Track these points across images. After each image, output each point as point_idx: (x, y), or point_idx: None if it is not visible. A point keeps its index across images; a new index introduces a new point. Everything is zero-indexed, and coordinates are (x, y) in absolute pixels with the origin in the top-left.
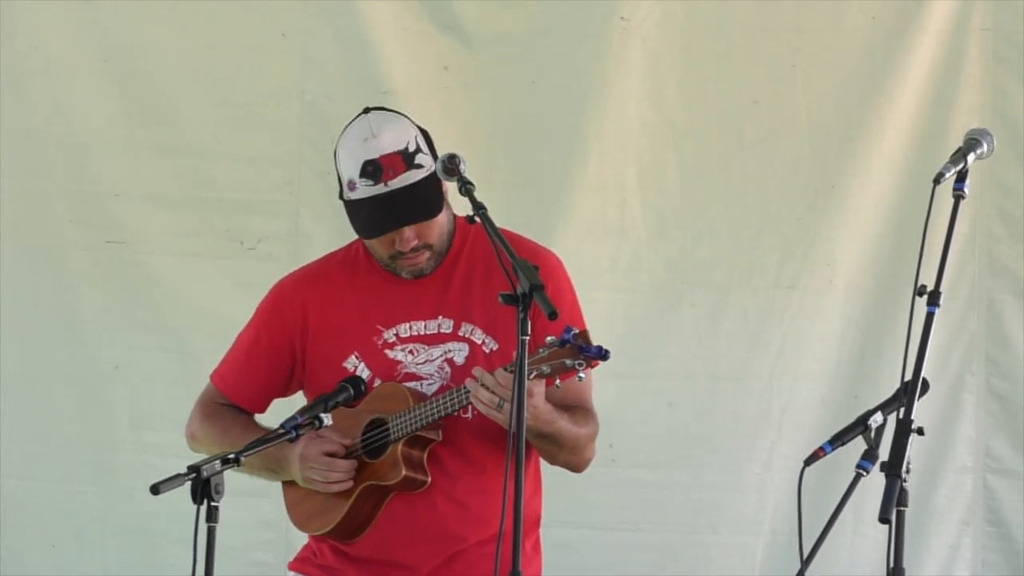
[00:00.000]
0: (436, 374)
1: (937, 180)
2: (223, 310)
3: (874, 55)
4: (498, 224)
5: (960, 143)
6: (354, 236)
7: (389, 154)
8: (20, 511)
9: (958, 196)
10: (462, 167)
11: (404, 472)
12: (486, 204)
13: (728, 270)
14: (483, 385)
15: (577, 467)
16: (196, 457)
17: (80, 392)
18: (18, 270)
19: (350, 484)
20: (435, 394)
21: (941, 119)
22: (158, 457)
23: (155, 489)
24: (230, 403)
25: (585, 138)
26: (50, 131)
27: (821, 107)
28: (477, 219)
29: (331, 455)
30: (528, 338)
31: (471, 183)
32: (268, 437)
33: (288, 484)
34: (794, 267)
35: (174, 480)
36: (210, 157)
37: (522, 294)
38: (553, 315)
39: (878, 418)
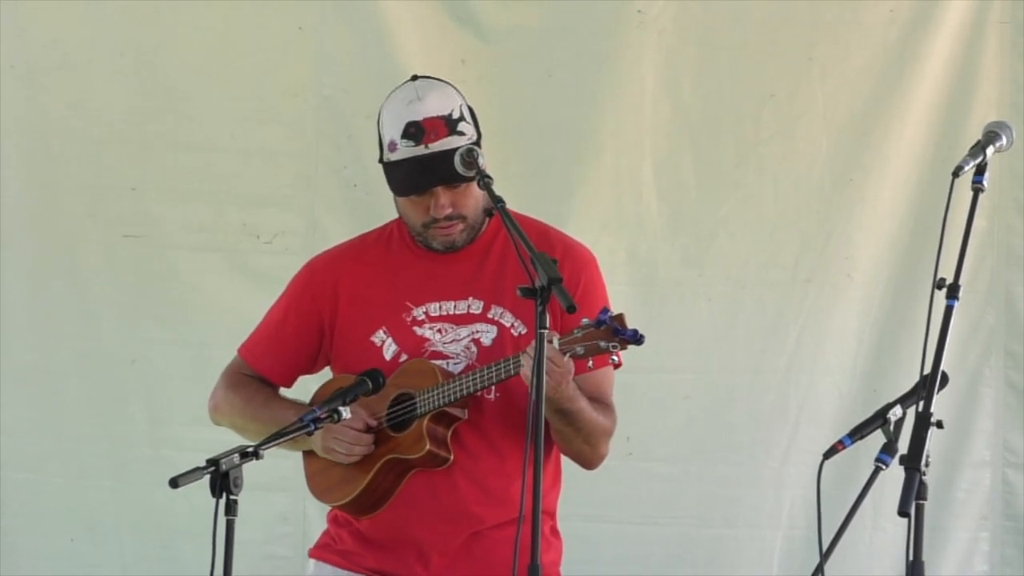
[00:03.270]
0: (462, 354)
1: (956, 173)
2: (239, 304)
3: (892, 48)
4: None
5: (979, 136)
6: (369, 229)
7: (432, 117)
8: (37, 505)
9: (977, 189)
10: (480, 160)
11: (428, 447)
12: (503, 197)
13: (745, 264)
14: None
15: (590, 461)
16: (214, 451)
17: (97, 386)
18: (35, 264)
19: (369, 451)
20: (460, 373)
21: (959, 112)
22: (175, 451)
23: (174, 483)
24: (256, 374)
25: (601, 132)
26: (67, 125)
27: (838, 100)
28: (495, 211)
29: (355, 430)
30: (547, 331)
31: (489, 177)
32: (286, 430)
33: (309, 454)
34: (811, 261)
35: (193, 473)
36: (226, 151)
37: (540, 287)
38: (571, 309)
39: (897, 412)
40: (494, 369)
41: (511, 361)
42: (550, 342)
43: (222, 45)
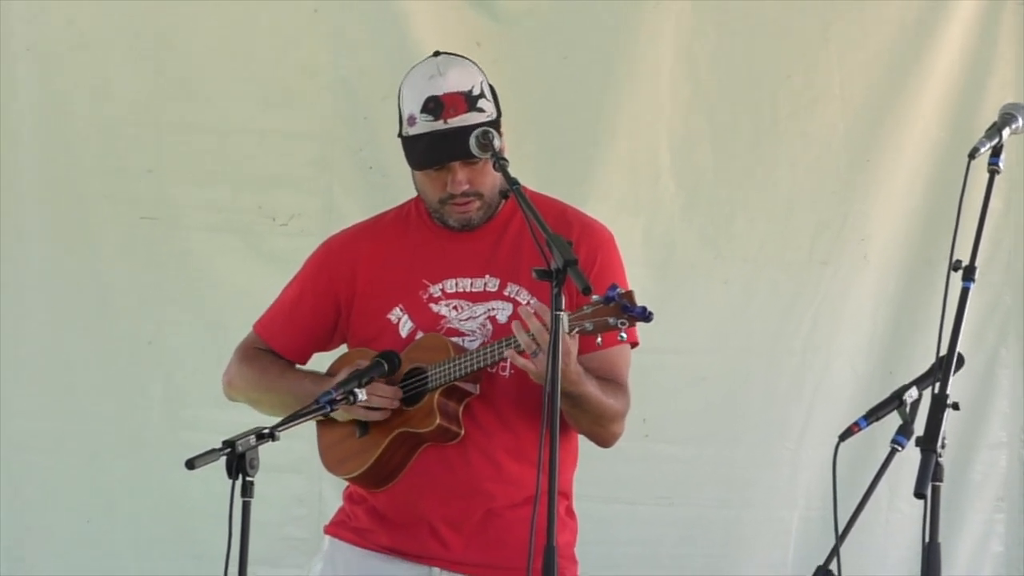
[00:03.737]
0: (478, 331)
1: (972, 155)
2: (256, 286)
3: (908, 30)
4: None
5: (995, 118)
6: (385, 210)
7: (452, 93)
8: (54, 487)
9: (993, 171)
10: (496, 142)
11: (438, 421)
12: (518, 179)
13: (761, 245)
14: (525, 330)
15: (603, 440)
16: (230, 432)
17: (113, 368)
18: (51, 246)
19: (389, 413)
20: (476, 349)
21: (976, 94)
22: (191, 432)
23: (190, 464)
24: (270, 350)
25: (617, 113)
26: (83, 107)
27: (855, 81)
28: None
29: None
30: (562, 313)
31: (505, 159)
32: (302, 412)
33: (323, 426)
34: (828, 242)
35: (209, 455)
36: (243, 133)
37: (556, 269)
38: (587, 290)
39: (913, 393)
40: (504, 344)
41: (502, 343)
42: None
43: (238, 27)
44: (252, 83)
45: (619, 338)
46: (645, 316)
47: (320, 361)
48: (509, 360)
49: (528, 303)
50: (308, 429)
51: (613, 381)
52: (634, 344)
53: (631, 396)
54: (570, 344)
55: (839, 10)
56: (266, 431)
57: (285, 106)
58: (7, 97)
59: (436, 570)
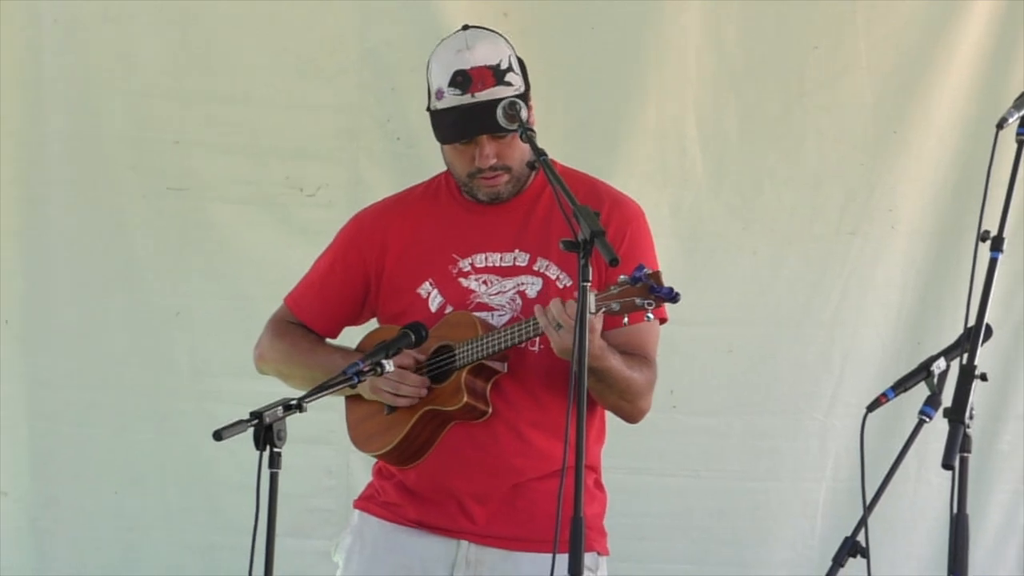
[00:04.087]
0: (507, 306)
1: (1000, 125)
2: (283, 257)
3: (935, 0)
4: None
5: (1023, 88)
6: (413, 184)
7: (480, 67)
8: (82, 458)
9: (1021, 141)
10: (523, 113)
11: (465, 399)
12: (546, 150)
13: (789, 217)
14: (546, 315)
15: (630, 415)
16: (258, 404)
17: (140, 339)
18: (78, 217)
19: (417, 401)
20: (504, 326)
21: (1004, 64)
22: (219, 403)
23: (218, 435)
24: (301, 324)
25: (644, 85)
26: (110, 79)
27: (882, 52)
28: (538, 165)
29: (403, 368)
30: (589, 284)
31: (532, 129)
32: (330, 383)
33: (351, 402)
34: (855, 213)
35: (237, 426)
36: (270, 104)
37: (583, 240)
38: (614, 262)
39: (941, 364)
40: (532, 323)
41: (531, 322)
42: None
43: None
44: (279, 54)
45: (646, 318)
46: (672, 297)
47: (351, 336)
48: (535, 336)
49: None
50: (337, 401)
51: (640, 355)
52: (663, 320)
53: (658, 370)
54: (594, 321)
55: None
56: (293, 402)
57: (312, 77)
58: (35, 69)
59: (464, 543)
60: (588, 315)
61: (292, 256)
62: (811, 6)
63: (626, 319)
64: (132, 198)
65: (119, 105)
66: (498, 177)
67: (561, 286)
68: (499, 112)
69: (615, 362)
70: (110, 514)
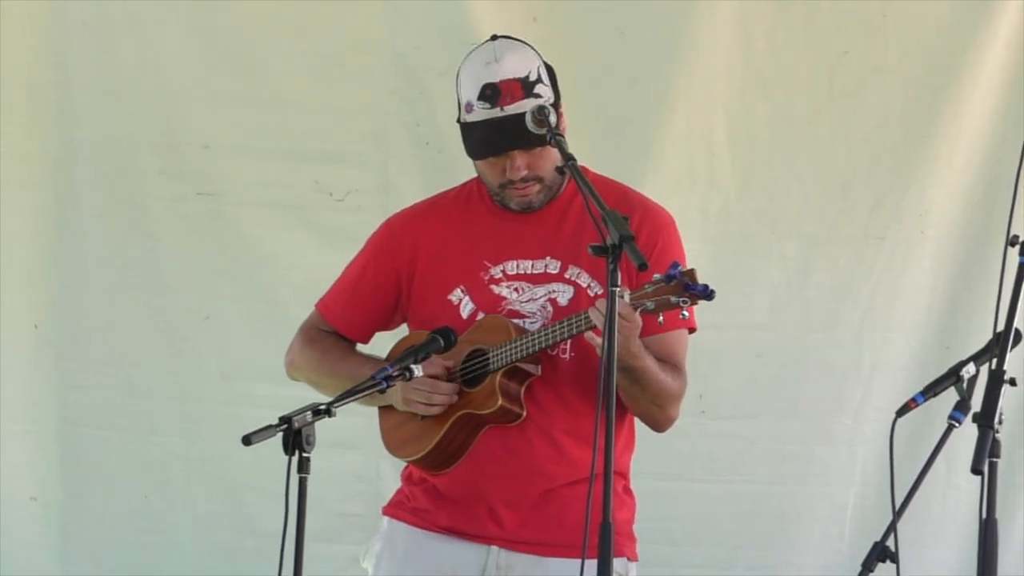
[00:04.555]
0: (538, 313)
1: None
2: (312, 262)
3: (966, 4)
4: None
5: None
6: (442, 189)
7: (509, 80)
8: (111, 462)
9: None
10: (552, 118)
11: (500, 402)
12: (574, 155)
13: (818, 221)
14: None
15: (659, 423)
16: (287, 408)
17: (169, 343)
18: (107, 222)
19: (451, 401)
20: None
21: None
22: (248, 408)
23: (247, 440)
24: (333, 330)
25: (673, 88)
26: (138, 83)
27: (911, 56)
28: (566, 170)
29: (434, 377)
30: (618, 289)
31: (561, 134)
32: (359, 388)
33: (384, 409)
34: (884, 217)
35: (266, 431)
36: (298, 108)
37: (611, 245)
38: (643, 266)
39: (970, 369)
40: (567, 324)
41: (584, 316)
42: (621, 297)
43: (293, 2)
44: (308, 58)
45: (681, 316)
46: (707, 294)
47: (381, 342)
48: (569, 342)
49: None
50: (367, 405)
51: (671, 363)
52: (692, 330)
53: (687, 376)
54: (637, 318)
55: None
56: (322, 407)
57: (341, 81)
58: (63, 72)
59: (495, 548)
60: (628, 313)
61: (321, 261)
62: (840, 10)
63: (661, 319)
64: (161, 203)
65: (148, 110)
66: (529, 187)
67: (592, 294)
68: (528, 117)
69: (650, 363)
70: (139, 518)
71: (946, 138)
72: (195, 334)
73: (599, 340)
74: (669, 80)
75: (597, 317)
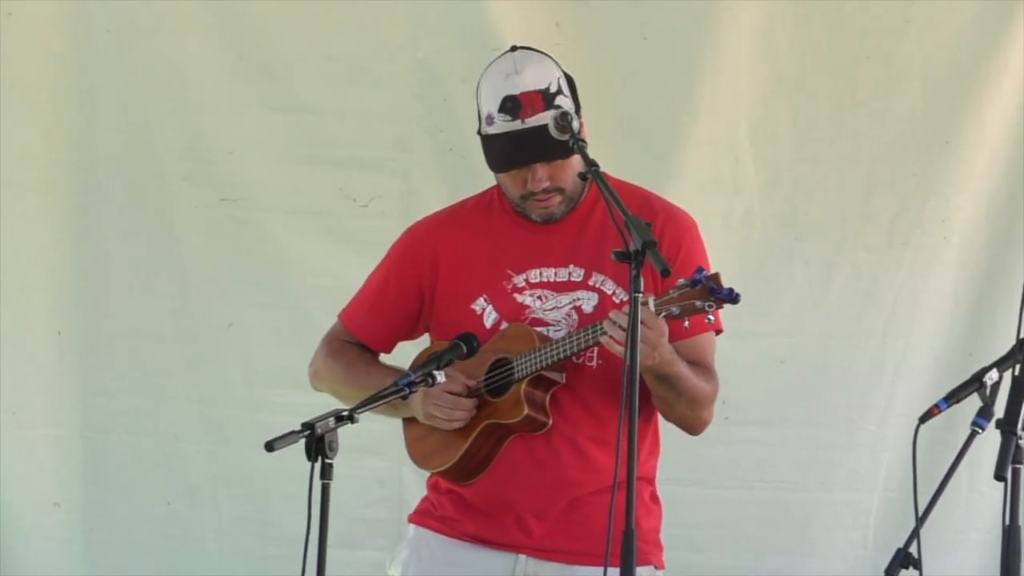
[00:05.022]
0: (563, 321)
1: None
2: (335, 268)
3: (988, 9)
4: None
5: None
6: (465, 195)
7: (529, 92)
8: (134, 468)
9: None
10: (575, 124)
11: (526, 411)
12: (597, 161)
13: (841, 227)
14: (616, 323)
15: (693, 426)
16: (310, 415)
17: (193, 350)
18: (131, 228)
19: (471, 416)
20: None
21: None
22: (271, 414)
23: (270, 446)
24: (356, 341)
25: (696, 94)
26: (162, 89)
27: (935, 62)
28: (589, 176)
29: (454, 394)
30: (641, 295)
31: (583, 140)
32: (382, 394)
33: (409, 421)
34: (908, 224)
35: (288, 437)
36: (322, 114)
37: (634, 251)
38: (665, 272)
39: (993, 375)
40: (590, 332)
41: (587, 331)
42: (645, 304)
43: (316, 7)
44: (331, 64)
45: (707, 321)
46: (732, 298)
47: (405, 353)
48: (595, 349)
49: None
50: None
51: (701, 365)
52: (718, 331)
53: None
54: (663, 326)
55: None
56: (345, 413)
57: (364, 87)
58: (88, 79)
59: (522, 557)
60: (654, 321)
61: (345, 267)
62: (863, 16)
63: (687, 324)
64: (185, 209)
65: (172, 115)
66: (551, 199)
67: (617, 300)
68: (550, 124)
69: (684, 368)
70: (162, 524)
71: (969, 144)
72: (219, 340)
73: (618, 348)
74: (692, 86)
75: (610, 326)
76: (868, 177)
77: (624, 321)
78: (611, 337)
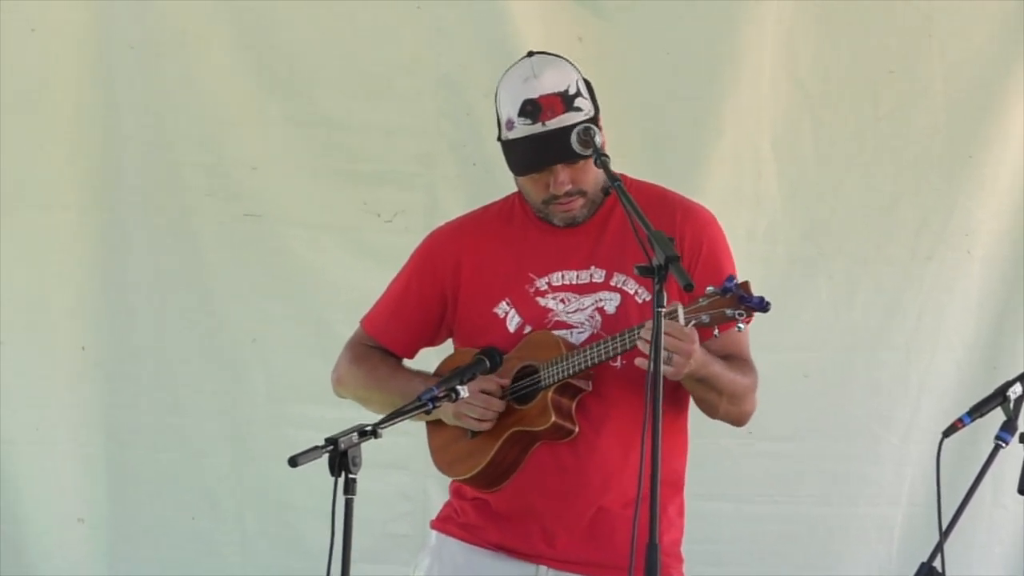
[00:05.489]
0: (587, 323)
1: None
2: (360, 283)
3: (1011, 23)
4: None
5: None
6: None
7: (549, 95)
8: (159, 483)
9: None
10: (597, 139)
11: (553, 419)
12: (619, 175)
13: (864, 241)
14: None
15: (739, 419)
16: (334, 429)
17: (217, 365)
18: (155, 244)
19: (495, 427)
20: (584, 343)
21: None
22: (295, 429)
23: (293, 462)
24: (378, 346)
25: (719, 109)
26: (186, 104)
27: (957, 76)
28: (612, 190)
29: (487, 394)
30: (663, 310)
31: (606, 155)
32: (405, 408)
33: (433, 428)
34: (931, 238)
35: (312, 452)
36: (345, 129)
37: (658, 266)
38: (689, 287)
39: (1017, 389)
40: (619, 340)
41: (635, 331)
42: (674, 312)
43: (340, 23)
44: (355, 79)
45: (737, 329)
46: (763, 306)
47: (427, 358)
48: (620, 354)
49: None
50: (414, 425)
51: (738, 357)
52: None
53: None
54: (693, 332)
55: (942, 5)
56: (369, 428)
57: (388, 102)
58: (111, 95)
59: (544, 568)
60: (681, 330)
61: (369, 282)
62: (886, 30)
63: (716, 331)
64: (209, 224)
65: (195, 131)
66: (573, 202)
67: (640, 300)
68: (573, 139)
69: (719, 367)
70: (186, 539)
71: (992, 158)
72: (243, 355)
73: (646, 364)
74: (715, 100)
75: (644, 345)
76: (891, 191)
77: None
78: (645, 355)
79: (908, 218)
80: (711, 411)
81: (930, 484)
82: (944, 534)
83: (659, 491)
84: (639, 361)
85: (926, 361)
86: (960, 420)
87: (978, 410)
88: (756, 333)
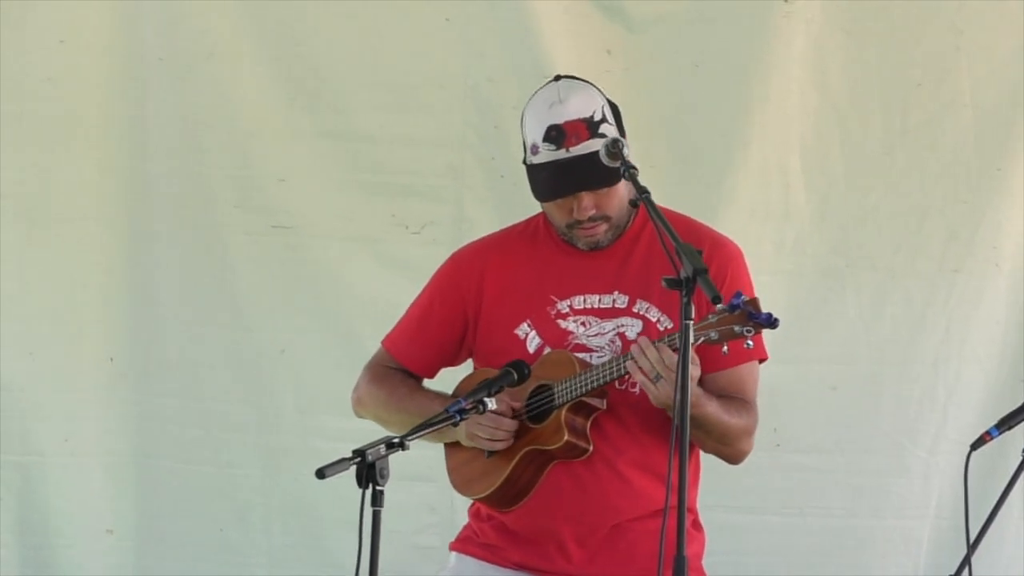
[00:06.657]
0: (607, 347)
1: None
2: (388, 295)
3: None
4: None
5: None
6: (517, 221)
7: (574, 120)
8: (186, 494)
9: None
10: (625, 151)
11: (566, 437)
12: (648, 188)
13: (892, 254)
14: (645, 356)
15: (730, 458)
16: (362, 441)
17: (245, 376)
18: (183, 256)
19: (510, 443)
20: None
21: None
22: (323, 441)
23: (320, 473)
24: (399, 367)
25: (748, 121)
26: (215, 117)
27: (986, 89)
28: (640, 203)
29: (499, 414)
30: (692, 322)
31: (634, 167)
32: (432, 421)
33: (451, 448)
34: (959, 250)
35: (339, 464)
36: (374, 142)
37: (686, 278)
38: (716, 299)
39: None
40: (627, 358)
41: (627, 357)
42: (674, 340)
43: (369, 36)
44: (383, 92)
45: (746, 346)
46: (771, 322)
47: (445, 376)
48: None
49: (639, 342)
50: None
51: (739, 399)
52: (762, 360)
53: (759, 411)
54: (694, 370)
55: (970, 17)
56: (396, 440)
57: (416, 115)
58: (140, 107)
59: None
60: (664, 366)
61: (397, 294)
62: (914, 43)
63: (726, 349)
64: (237, 236)
65: (223, 143)
66: (597, 227)
67: (661, 328)
68: (602, 151)
69: (711, 408)
70: (214, 551)
71: (1020, 170)
72: (271, 367)
73: (650, 386)
74: (743, 113)
75: (636, 373)
76: (919, 204)
77: (650, 355)
78: (638, 367)
79: (936, 231)
80: (700, 445)
81: (958, 497)
82: (972, 547)
83: (686, 503)
84: (630, 366)
85: (954, 373)
86: (988, 433)
87: (1006, 423)
88: (783, 345)
